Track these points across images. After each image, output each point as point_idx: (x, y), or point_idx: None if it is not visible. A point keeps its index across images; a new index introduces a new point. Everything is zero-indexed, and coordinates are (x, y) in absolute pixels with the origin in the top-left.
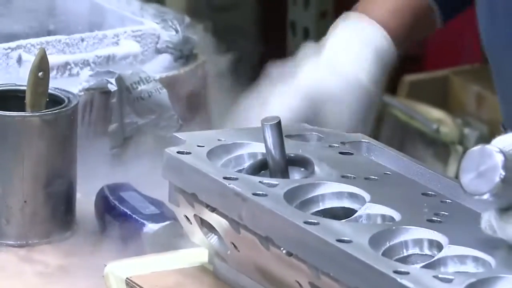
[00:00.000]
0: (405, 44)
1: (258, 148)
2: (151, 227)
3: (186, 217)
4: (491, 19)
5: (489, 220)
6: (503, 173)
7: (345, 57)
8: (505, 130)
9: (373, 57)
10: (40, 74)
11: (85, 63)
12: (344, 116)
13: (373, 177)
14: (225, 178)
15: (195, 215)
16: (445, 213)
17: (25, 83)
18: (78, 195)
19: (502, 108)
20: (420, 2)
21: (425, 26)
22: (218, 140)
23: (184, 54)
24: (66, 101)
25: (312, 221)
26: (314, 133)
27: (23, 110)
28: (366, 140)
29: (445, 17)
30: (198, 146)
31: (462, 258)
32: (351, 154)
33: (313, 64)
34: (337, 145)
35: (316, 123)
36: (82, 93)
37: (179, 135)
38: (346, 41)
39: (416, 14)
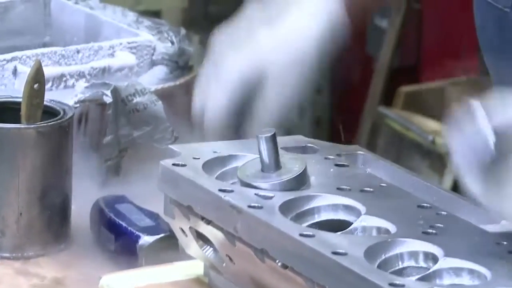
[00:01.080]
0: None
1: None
2: (146, 239)
3: (182, 229)
4: (500, 35)
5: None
6: None
7: (297, 29)
8: None
9: (324, 28)
10: (35, 86)
11: (81, 75)
12: (285, 89)
13: (369, 189)
14: (220, 190)
15: (190, 228)
16: (441, 225)
17: (21, 95)
18: (73, 207)
19: None
20: None
21: None
22: (214, 152)
23: (179, 66)
24: (62, 113)
25: (308, 233)
26: (310, 145)
27: (19, 122)
28: (362, 152)
29: None
30: (193, 158)
31: (457, 271)
32: (347, 166)
33: (266, 33)
34: (332, 157)
35: (257, 91)
36: (78, 104)
37: (174, 147)
38: (298, 10)
39: None
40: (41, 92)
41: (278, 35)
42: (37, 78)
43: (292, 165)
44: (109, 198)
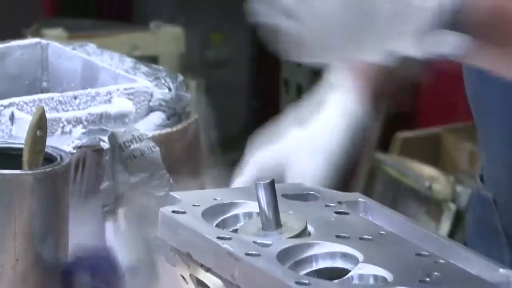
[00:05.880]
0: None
1: (254, 208)
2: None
3: (182, 276)
4: (481, 77)
5: None
6: None
7: (324, 128)
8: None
9: (347, 126)
10: (38, 132)
11: (78, 121)
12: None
13: (368, 237)
14: (218, 238)
15: (190, 275)
16: (438, 273)
17: (18, 141)
18: (70, 253)
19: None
20: None
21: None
22: (214, 199)
23: (177, 112)
24: (59, 159)
25: (304, 281)
26: (310, 192)
27: (16, 168)
28: (363, 200)
29: None
30: (193, 205)
31: None
32: (347, 213)
33: (295, 132)
34: (333, 204)
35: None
36: (75, 151)
37: (174, 194)
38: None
39: None
40: (43, 138)
41: (305, 134)
42: (40, 124)
43: (292, 223)
44: (78, 260)
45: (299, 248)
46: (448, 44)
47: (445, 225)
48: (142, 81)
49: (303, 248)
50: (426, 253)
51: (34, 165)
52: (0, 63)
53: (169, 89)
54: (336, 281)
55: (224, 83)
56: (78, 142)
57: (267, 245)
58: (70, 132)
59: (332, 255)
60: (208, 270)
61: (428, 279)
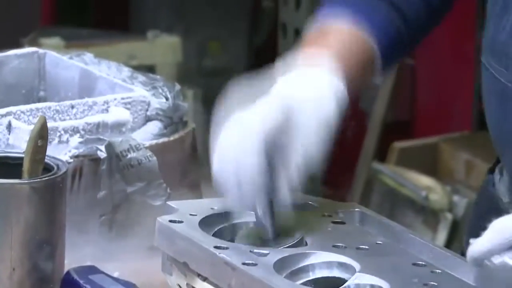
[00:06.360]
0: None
1: (250, 217)
2: None
3: (179, 286)
4: (502, 108)
5: None
6: None
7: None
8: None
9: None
10: (39, 141)
11: (75, 130)
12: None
13: (364, 246)
14: (215, 247)
15: (187, 284)
16: (434, 283)
17: (15, 150)
18: (67, 262)
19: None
20: (368, 48)
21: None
22: (211, 208)
23: (174, 121)
24: (56, 168)
25: None
26: (309, 202)
27: (13, 177)
28: (359, 210)
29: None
30: (190, 215)
31: None
32: (344, 223)
33: (286, 83)
34: (330, 214)
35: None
36: (72, 160)
37: (171, 203)
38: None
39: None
40: (43, 148)
41: (298, 87)
42: (42, 134)
43: (289, 233)
44: (81, 270)
45: (296, 257)
46: None
47: (442, 235)
48: (139, 91)
49: (300, 258)
50: (423, 263)
51: (34, 174)
52: None
53: (166, 99)
54: None
55: (222, 92)
56: (75, 151)
57: (264, 255)
58: (67, 141)
59: (329, 265)
60: (205, 279)
61: None
